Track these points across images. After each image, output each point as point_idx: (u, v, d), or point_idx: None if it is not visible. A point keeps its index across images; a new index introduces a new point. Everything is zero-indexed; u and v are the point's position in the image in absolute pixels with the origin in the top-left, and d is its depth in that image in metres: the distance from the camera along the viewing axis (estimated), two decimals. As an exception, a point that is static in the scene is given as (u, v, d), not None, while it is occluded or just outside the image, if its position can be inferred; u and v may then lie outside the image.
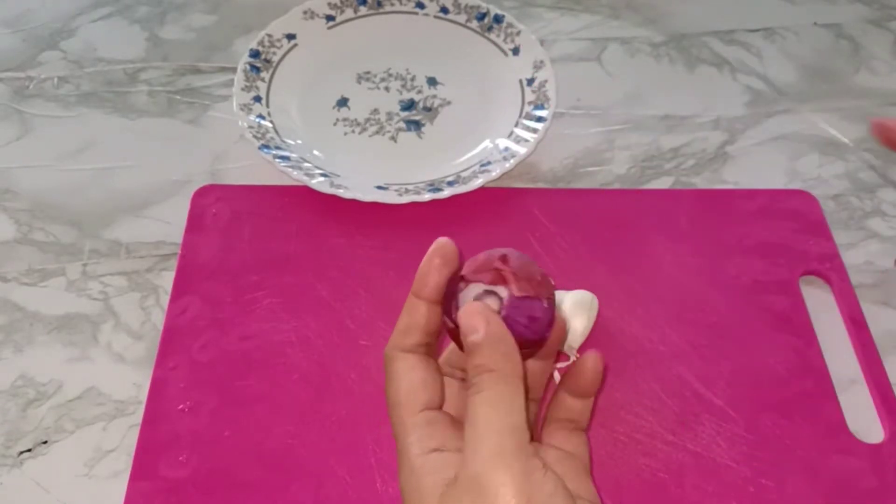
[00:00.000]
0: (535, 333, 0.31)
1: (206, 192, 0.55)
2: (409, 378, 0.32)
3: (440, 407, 0.32)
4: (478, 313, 0.30)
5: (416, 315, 0.33)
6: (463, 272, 0.32)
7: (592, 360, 0.34)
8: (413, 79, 0.63)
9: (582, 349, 0.47)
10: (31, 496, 0.43)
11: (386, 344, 0.34)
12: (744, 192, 0.57)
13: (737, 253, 0.53)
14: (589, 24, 0.70)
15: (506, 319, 0.31)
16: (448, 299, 0.32)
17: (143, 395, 0.46)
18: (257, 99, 0.59)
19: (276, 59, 0.61)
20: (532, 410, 0.36)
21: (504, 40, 0.63)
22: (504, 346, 0.30)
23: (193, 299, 0.49)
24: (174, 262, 0.52)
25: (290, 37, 0.62)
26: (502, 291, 0.31)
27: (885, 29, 0.71)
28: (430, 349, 0.34)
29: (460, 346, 0.32)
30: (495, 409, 0.29)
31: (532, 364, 0.35)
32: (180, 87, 0.63)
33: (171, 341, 0.48)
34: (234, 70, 0.60)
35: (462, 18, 0.64)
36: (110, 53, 0.66)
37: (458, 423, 0.32)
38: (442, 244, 0.32)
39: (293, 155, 0.56)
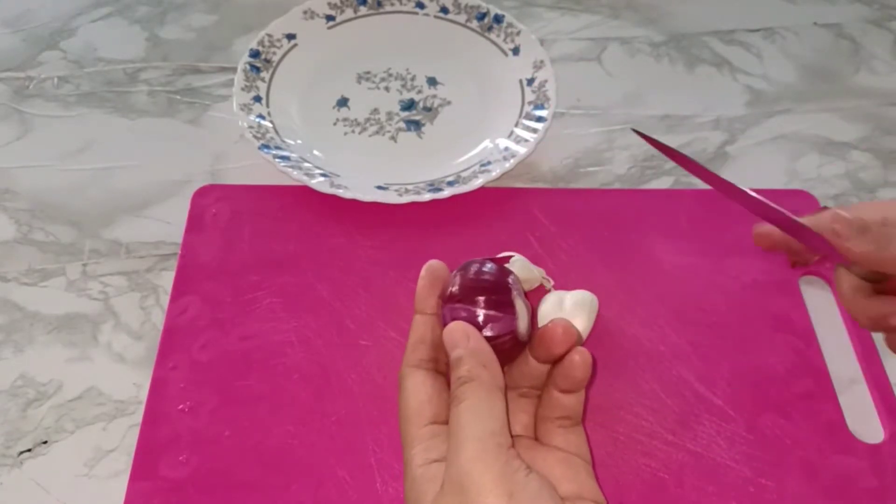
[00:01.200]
0: (507, 342, 0.34)
1: (206, 192, 0.55)
2: (417, 394, 0.34)
3: (447, 421, 0.33)
4: (458, 331, 0.33)
5: (420, 331, 0.36)
6: (446, 291, 0.35)
7: (580, 354, 0.34)
8: (413, 79, 0.63)
9: (582, 349, 0.47)
10: (31, 496, 0.43)
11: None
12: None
13: (737, 253, 0.53)
14: (589, 24, 0.70)
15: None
16: (441, 319, 0.36)
17: (143, 395, 0.46)
18: (257, 99, 0.59)
19: (276, 59, 0.61)
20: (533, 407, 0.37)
21: (504, 40, 0.63)
22: (483, 357, 0.32)
23: (193, 299, 0.49)
24: (174, 262, 0.52)
25: (290, 37, 0.62)
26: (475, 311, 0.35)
27: (885, 29, 0.71)
28: (439, 365, 0.36)
29: None
30: (475, 416, 0.31)
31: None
32: (180, 87, 0.63)
33: (171, 341, 0.48)
34: (234, 70, 0.60)
35: (462, 18, 0.64)
36: (110, 53, 0.66)
37: None
38: (430, 267, 0.36)
39: (293, 155, 0.56)
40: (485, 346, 0.33)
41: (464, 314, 0.34)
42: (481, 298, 0.34)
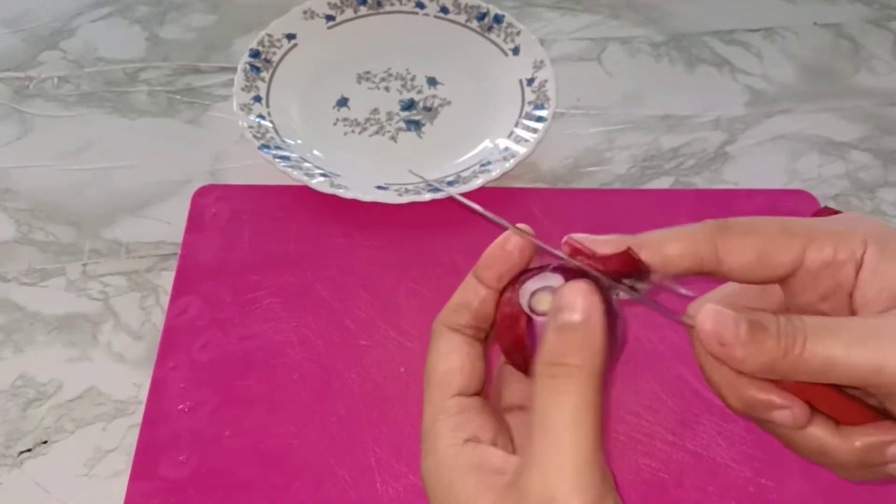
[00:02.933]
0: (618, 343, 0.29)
1: (206, 192, 0.55)
2: (448, 359, 0.30)
3: (476, 394, 0.30)
4: (585, 293, 0.26)
5: (470, 295, 0.31)
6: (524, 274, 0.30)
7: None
8: (413, 79, 0.63)
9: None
10: (31, 496, 0.43)
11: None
12: (744, 192, 0.57)
13: (737, 253, 0.53)
14: (589, 24, 0.70)
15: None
16: (512, 283, 0.30)
17: (143, 395, 0.46)
18: (257, 99, 0.59)
19: (276, 58, 0.61)
20: None
21: (504, 40, 0.63)
22: (600, 340, 0.26)
23: (193, 299, 0.49)
24: (174, 262, 0.52)
25: (290, 37, 0.62)
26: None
27: (885, 29, 0.71)
28: (479, 331, 0.31)
29: (510, 341, 0.30)
30: (580, 421, 0.25)
31: None
32: (180, 87, 0.63)
33: (171, 341, 0.48)
34: (234, 70, 0.60)
35: (462, 18, 0.64)
36: (110, 53, 0.66)
37: (490, 409, 0.30)
38: (521, 229, 0.30)
39: (293, 155, 0.56)
40: (604, 326, 0.26)
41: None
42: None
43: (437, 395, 0.29)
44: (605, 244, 0.30)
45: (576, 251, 0.30)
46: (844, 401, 0.28)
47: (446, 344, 0.30)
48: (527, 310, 0.29)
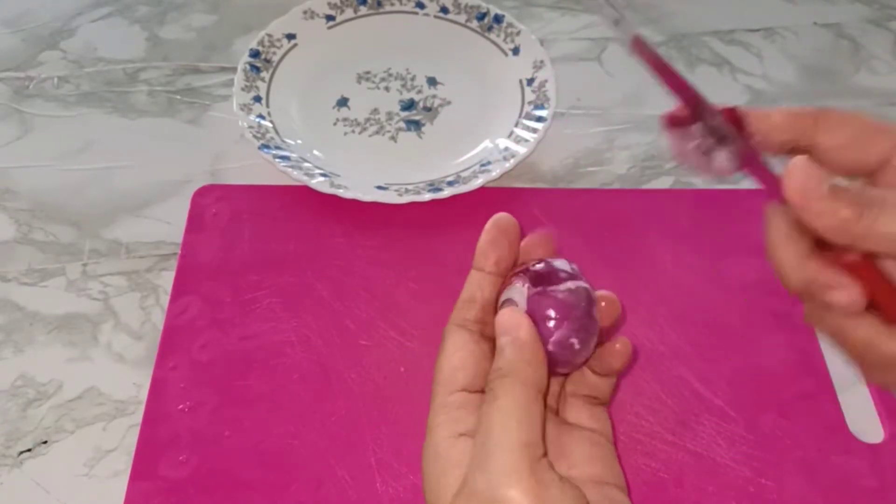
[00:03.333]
0: (566, 357, 0.31)
1: (206, 192, 0.55)
2: (452, 357, 0.31)
3: (480, 390, 0.31)
4: (510, 317, 0.30)
5: (474, 287, 0.33)
6: (519, 260, 0.32)
7: (621, 343, 0.33)
8: (413, 79, 0.63)
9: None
10: (31, 496, 0.43)
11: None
12: (744, 192, 0.57)
13: (737, 253, 0.53)
14: (589, 24, 0.70)
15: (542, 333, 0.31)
16: (512, 274, 0.33)
17: (143, 395, 0.46)
18: (257, 99, 0.59)
19: (276, 59, 0.61)
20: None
21: (504, 40, 0.63)
22: (529, 352, 0.29)
23: (193, 299, 0.49)
24: (174, 262, 0.52)
25: (290, 37, 0.62)
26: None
27: (885, 29, 0.71)
28: (486, 327, 0.33)
29: None
30: (509, 421, 0.28)
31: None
32: (180, 87, 0.63)
33: (171, 341, 0.48)
34: (234, 70, 0.60)
35: (462, 18, 0.64)
36: (110, 53, 0.66)
37: None
38: (499, 217, 0.33)
39: (293, 155, 0.56)
40: (535, 341, 0.30)
41: (545, 305, 0.31)
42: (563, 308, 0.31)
43: (442, 391, 0.31)
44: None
45: (691, 99, 0.31)
46: None
47: (452, 342, 0.32)
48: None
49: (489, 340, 0.33)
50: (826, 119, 0.32)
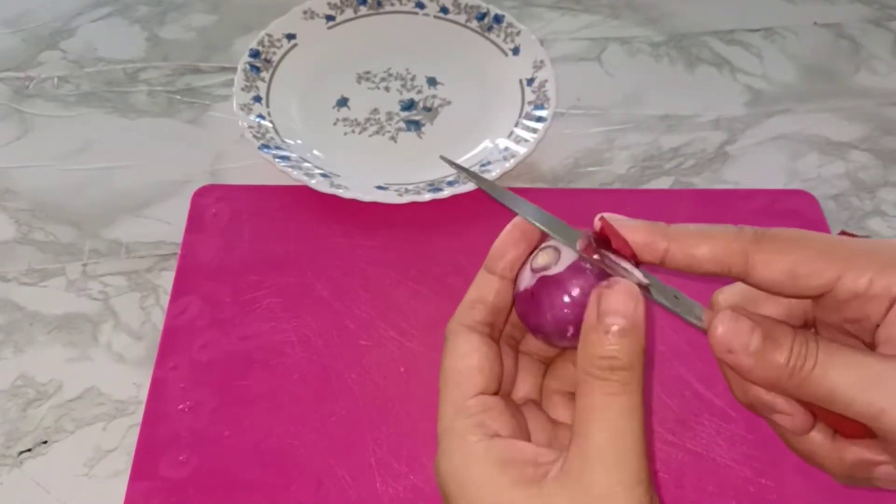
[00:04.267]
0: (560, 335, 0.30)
1: (206, 192, 0.55)
2: (468, 358, 0.30)
3: (495, 393, 0.30)
4: (629, 293, 0.27)
5: (486, 290, 0.31)
6: (534, 260, 0.31)
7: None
8: (413, 79, 0.63)
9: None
10: (31, 496, 0.43)
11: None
12: (744, 192, 0.57)
13: (737, 253, 0.53)
14: (589, 24, 0.70)
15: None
16: (517, 287, 0.31)
17: (143, 395, 0.46)
18: (257, 99, 0.59)
19: (276, 58, 0.61)
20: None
21: (504, 40, 0.63)
22: (643, 341, 0.27)
23: (193, 299, 0.49)
24: (174, 262, 0.52)
25: (290, 37, 0.62)
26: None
27: (885, 29, 0.71)
28: (494, 330, 0.31)
29: (529, 322, 0.31)
30: (629, 424, 0.26)
31: None
32: (180, 87, 0.63)
33: (171, 341, 0.48)
34: (234, 70, 0.60)
35: (462, 18, 0.64)
36: (110, 53, 0.66)
37: (511, 405, 0.30)
38: (520, 220, 0.31)
39: (293, 155, 0.56)
40: (644, 325, 0.27)
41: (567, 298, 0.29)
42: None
43: (458, 395, 0.29)
44: (636, 230, 0.30)
45: (602, 234, 0.30)
46: (845, 417, 0.28)
47: (465, 343, 0.30)
48: (531, 275, 0.30)
49: (497, 343, 0.31)
50: (759, 253, 0.28)
